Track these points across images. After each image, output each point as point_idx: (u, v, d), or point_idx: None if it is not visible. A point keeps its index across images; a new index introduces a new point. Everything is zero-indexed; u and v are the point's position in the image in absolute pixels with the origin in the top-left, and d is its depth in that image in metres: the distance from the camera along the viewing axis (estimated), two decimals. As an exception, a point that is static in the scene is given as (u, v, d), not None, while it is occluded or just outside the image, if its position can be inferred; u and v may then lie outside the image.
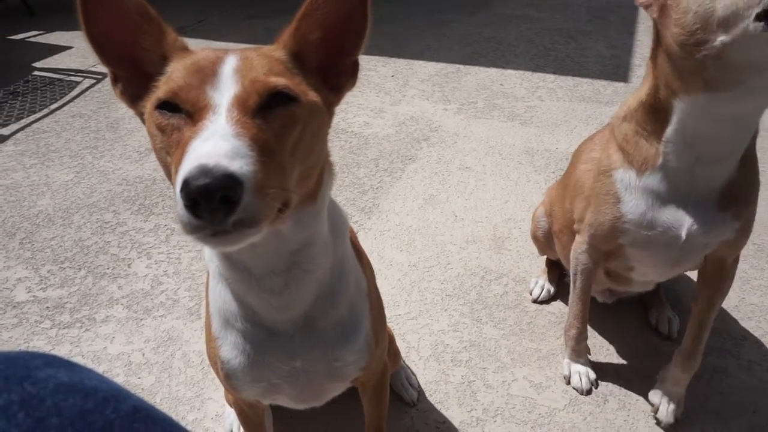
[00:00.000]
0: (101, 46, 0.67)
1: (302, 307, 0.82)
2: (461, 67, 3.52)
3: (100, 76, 3.46)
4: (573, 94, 3.13)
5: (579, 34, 4.02)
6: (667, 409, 1.37)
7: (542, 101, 3.06)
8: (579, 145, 1.49)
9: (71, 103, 3.15)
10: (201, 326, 1.69)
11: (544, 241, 1.70)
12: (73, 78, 3.47)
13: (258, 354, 0.84)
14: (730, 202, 1.11)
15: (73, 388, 0.32)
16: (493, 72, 3.44)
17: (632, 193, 1.16)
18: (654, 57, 1.07)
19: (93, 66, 3.63)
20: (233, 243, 0.57)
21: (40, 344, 1.65)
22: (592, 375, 1.49)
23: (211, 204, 0.52)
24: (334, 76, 0.74)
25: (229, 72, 0.63)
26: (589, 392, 1.47)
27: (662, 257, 1.24)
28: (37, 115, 3.01)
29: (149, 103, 0.66)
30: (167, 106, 0.62)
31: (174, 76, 0.64)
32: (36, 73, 3.55)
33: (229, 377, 0.88)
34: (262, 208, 0.56)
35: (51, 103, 3.14)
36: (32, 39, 4.17)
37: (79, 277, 1.90)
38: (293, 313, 0.82)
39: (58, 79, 3.45)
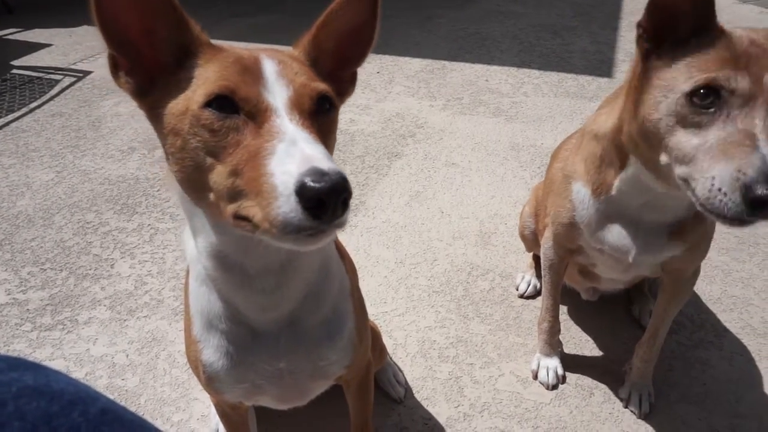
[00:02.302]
0: (109, 28, 0.62)
1: (289, 307, 0.81)
2: (447, 63, 3.52)
3: (80, 74, 3.41)
4: (558, 89, 3.14)
5: (563, 30, 4.04)
6: (638, 401, 1.41)
7: (527, 97, 3.07)
8: (560, 144, 1.50)
9: (51, 102, 3.10)
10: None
11: (532, 239, 1.70)
12: (52, 76, 3.41)
13: (242, 355, 0.83)
14: (679, 234, 1.12)
15: (37, 391, 0.32)
16: (479, 68, 3.44)
17: (585, 209, 1.17)
18: (628, 89, 0.98)
19: (73, 64, 3.57)
20: (325, 241, 0.58)
21: (20, 347, 1.62)
22: (560, 370, 1.50)
23: (337, 203, 0.54)
24: (338, 83, 0.77)
25: (273, 74, 0.63)
26: (555, 387, 1.48)
27: (613, 265, 1.26)
28: (16, 114, 2.96)
29: (185, 102, 0.62)
30: (216, 104, 0.60)
31: (221, 74, 0.62)
32: (15, 71, 3.49)
33: (211, 380, 0.86)
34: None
35: (30, 102, 3.08)
36: (10, 36, 4.09)
37: (61, 279, 1.87)
38: (279, 313, 0.81)
39: (38, 78, 3.39)
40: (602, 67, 3.39)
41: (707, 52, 0.83)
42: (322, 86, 0.66)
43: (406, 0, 4.84)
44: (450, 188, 2.32)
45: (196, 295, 0.83)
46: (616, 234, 1.14)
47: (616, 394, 1.46)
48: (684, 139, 0.83)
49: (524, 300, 1.76)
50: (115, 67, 0.67)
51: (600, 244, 1.18)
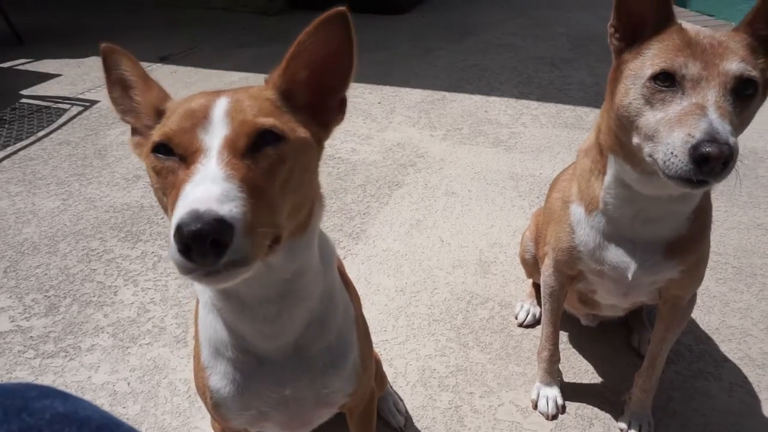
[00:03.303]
0: (118, 105, 0.80)
1: (293, 335, 0.83)
2: (447, 94, 3.60)
3: (87, 104, 3.48)
4: (556, 120, 3.20)
5: (561, 62, 4.13)
6: (638, 431, 1.41)
7: (526, 128, 3.12)
8: (558, 174, 1.54)
9: (59, 131, 3.16)
10: (188, 354, 1.68)
11: (532, 263, 1.72)
12: (60, 105, 3.48)
13: (248, 382, 0.85)
14: (677, 252, 1.14)
15: (68, 418, 0.34)
16: (478, 99, 3.51)
17: (582, 228, 1.21)
18: (608, 92, 1.07)
19: (81, 93, 3.65)
20: (225, 281, 0.60)
21: (23, 374, 1.63)
22: (560, 400, 1.50)
23: (203, 248, 0.55)
24: (323, 112, 0.77)
25: (220, 115, 0.66)
26: (554, 417, 1.48)
27: (613, 288, 1.28)
28: (24, 143, 3.01)
29: (146, 146, 0.70)
30: (162, 149, 0.66)
31: (169, 121, 0.69)
32: (24, 100, 3.56)
33: (218, 406, 0.88)
34: (253, 248, 0.59)
35: (38, 131, 3.14)
36: (20, 67, 4.18)
37: (64, 306, 1.88)
38: (284, 341, 0.83)
39: (46, 107, 3.46)
40: (600, 99, 3.44)
41: (667, 44, 0.95)
42: (262, 121, 0.66)
43: (406, 32, 4.97)
44: (450, 217, 2.35)
45: (204, 323, 0.85)
46: (613, 252, 1.17)
47: (616, 425, 1.46)
48: (650, 116, 0.94)
49: (524, 329, 1.77)
50: (133, 131, 0.80)
51: (599, 264, 1.21)
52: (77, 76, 3.95)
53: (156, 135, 0.67)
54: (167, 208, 0.66)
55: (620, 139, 1.03)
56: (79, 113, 3.36)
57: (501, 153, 2.86)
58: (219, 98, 0.68)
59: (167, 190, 0.65)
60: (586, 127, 3.10)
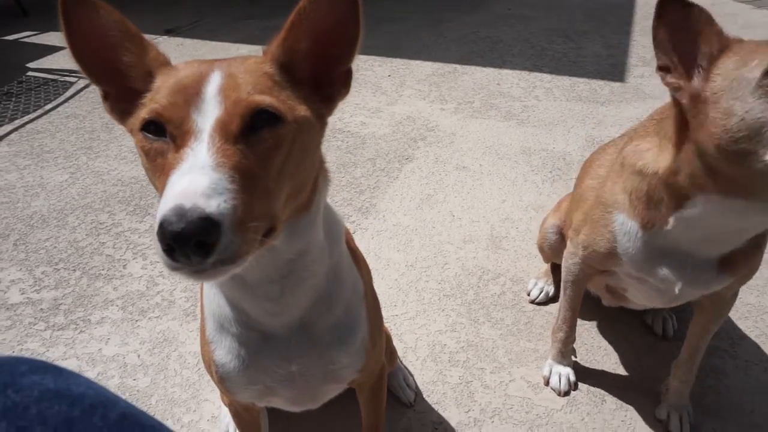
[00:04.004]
0: (87, 63, 0.67)
1: (298, 312, 0.81)
2: (458, 66, 3.52)
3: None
4: (570, 93, 3.13)
5: (575, 34, 4.02)
6: (677, 422, 1.36)
7: (539, 101, 3.05)
8: (591, 154, 1.44)
9: (66, 104, 3.13)
10: (197, 327, 1.68)
11: (550, 253, 1.67)
12: (67, 78, 3.45)
13: (253, 358, 0.84)
14: (730, 265, 1.07)
15: (59, 395, 0.32)
16: (490, 72, 3.43)
17: (630, 241, 1.11)
18: (675, 140, 0.96)
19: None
20: (214, 278, 0.56)
21: (34, 346, 1.63)
22: (572, 377, 1.48)
23: (186, 249, 0.51)
24: (326, 85, 0.71)
25: (213, 92, 0.60)
26: (567, 393, 1.46)
27: (655, 297, 1.23)
28: (32, 116, 3.00)
29: (135, 123, 0.64)
30: (151, 127, 0.61)
31: (158, 95, 0.62)
32: (30, 73, 3.53)
33: (223, 380, 0.87)
34: (243, 245, 0.54)
35: (45, 104, 3.12)
36: (26, 39, 4.15)
37: (74, 279, 1.88)
38: (289, 318, 0.81)
39: (53, 80, 3.43)
40: (615, 72, 3.37)
41: (744, 49, 0.83)
42: (258, 99, 0.60)
43: (416, 4, 4.85)
44: (461, 192, 2.31)
45: (208, 298, 0.84)
46: (663, 267, 1.09)
47: (643, 398, 1.44)
48: None
49: (535, 305, 1.75)
50: (105, 97, 0.70)
51: (644, 274, 1.13)
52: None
53: (145, 111, 0.61)
54: (159, 188, 0.61)
55: (730, 173, 0.88)
56: (86, 86, 3.33)
57: (513, 127, 2.80)
58: (212, 71, 0.62)
59: (156, 173, 0.60)
60: (600, 100, 3.02)
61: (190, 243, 0.50)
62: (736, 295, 1.25)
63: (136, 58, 0.66)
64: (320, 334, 0.85)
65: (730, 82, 0.83)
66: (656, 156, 1.02)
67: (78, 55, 0.66)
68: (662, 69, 0.92)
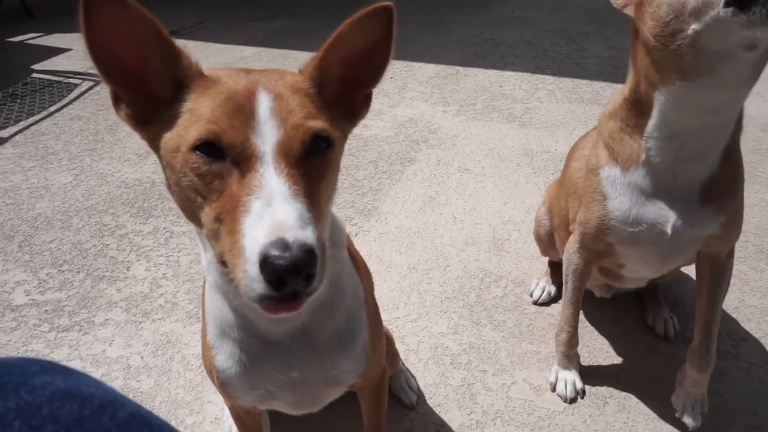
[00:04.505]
0: (105, 63, 0.63)
1: (300, 319, 0.82)
2: (460, 68, 3.53)
3: (99, 79, 3.46)
4: (572, 95, 3.13)
5: (578, 36, 4.02)
6: (691, 412, 1.35)
7: (541, 103, 3.06)
8: (574, 143, 1.50)
9: (70, 106, 3.15)
10: (200, 329, 1.69)
11: (547, 240, 1.69)
12: (71, 80, 3.47)
13: (254, 364, 0.84)
14: (713, 197, 1.12)
15: (69, 395, 0.32)
16: (493, 74, 3.44)
17: (617, 190, 1.18)
18: (633, 53, 1.09)
19: (92, 68, 3.62)
20: (297, 309, 0.57)
21: (38, 348, 1.64)
22: (579, 384, 1.47)
23: (298, 280, 0.52)
24: (349, 105, 0.73)
25: (267, 113, 0.60)
26: (573, 401, 1.46)
27: (650, 254, 1.24)
28: (36, 118, 3.01)
29: (181, 140, 0.61)
30: (204, 148, 0.59)
31: (210, 114, 0.60)
32: (35, 75, 3.55)
33: (224, 385, 0.87)
34: (324, 274, 0.56)
35: (50, 106, 3.14)
36: (31, 41, 4.17)
37: (78, 280, 1.89)
38: (291, 325, 0.82)
39: (57, 82, 3.45)
40: (617, 73, 3.37)
41: None
42: (318, 125, 0.61)
43: (419, 5, 4.86)
44: (463, 194, 2.31)
45: (210, 303, 0.84)
46: (651, 209, 1.15)
47: (644, 401, 1.44)
48: None
49: (537, 307, 1.76)
50: (116, 100, 0.67)
51: (636, 225, 1.17)
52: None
53: (197, 130, 0.59)
54: (196, 207, 0.60)
55: (670, 58, 0.98)
56: (90, 88, 3.35)
57: (515, 129, 2.80)
58: (257, 89, 0.61)
59: (210, 195, 0.59)
60: (602, 102, 3.02)
61: (301, 275, 0.52)
62: (731, 256, 1.27)
63: (165, 64, 0.63)
64: (321, 340, 0.85)
65: None
66: (621, 91, 1.16)
67: (95, 53, 0.62)
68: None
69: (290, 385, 0.87)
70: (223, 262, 0.59)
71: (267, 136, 0.59)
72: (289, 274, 0.51)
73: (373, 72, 0.72)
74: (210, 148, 0.58)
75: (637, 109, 1.12)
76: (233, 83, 0.63)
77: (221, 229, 0.58)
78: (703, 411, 1.36)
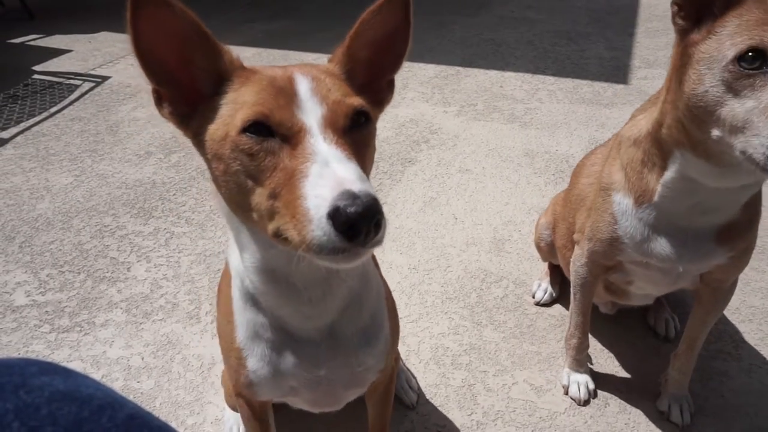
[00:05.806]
0: (150, 63, 0.65)
1: (332, 315, 0.83)
2: (461, 69, 3.53)
3: (99, 80, 3.46)
4: (573, 96, 3.13)
5: (579, 36, 4.02)
6: (679, 412, 1.38)
7: (542, 103, 3.06)
8: (579, 161, 1.48)
9: (71, 107, 3.15)
10: (200, 330, 1.69)
11: (548, 250, 1.68)
12: (72, 81, 3.47)
13: (284, 364, 0.86)
14: (728, 238, 1.08)
15: (68, 396, 0.32)
16: (493, 74, 3.44)
17: (628, 220, 1.13)
18: (668, 82, 0.98)
19: (92, 69, 3.63)
20: (361, 259, 0.60)
21: (39, 348, 1.64)
22: (591, 385, 1.47)
23: (370, 227, 0.55)
24: (375, 92, 0.77)
25: (307, 92, 0.64)
26: (587, 402, 1.45)
27: (660, 279, 1.23)
28: (37, 119, 3.01)
29: (224, 128, 0.64)
30: (253, 129, 0.62)
31: (255, 98, 0.63)
32: (36, 76, 3.55)
33: (252, 385, 0.89)
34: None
35: (51, 107, 3.14)
36: (32, 42, 4.17)
37: (79, 281, 1.89)
38: (322, 322, 0.83)
39: (58, 83, 3.45)
40: (618, 74, 3.37)
41: (745, 18, 0.82)
42: (356, 101, 0.66)
43: (420, 6, 4.85)
44: (464, 194, 2.31)
45: (239, 307, 0.85)
46: (662, 244, 1.10)
47: (647, 401, 1.44)
48: (737, 105, 0.82)
49: (538, 308, 1.75)
50: (158, 100, 0.69)
51: (646, 257, 1.14)
52: (88, 51, 3.93)
53: (246, 113, 0.62)
54: (247, 191, 0.63)
55: (692, 134, 0.92)
56: (91, 89, 3.35)
57: (516, 129, 2.80)
58: (294, 75, 0.65)
59: (263, 176, 0.61)
60: (603, 102, 3.02)
61: (373, 221, 0.54)
62: (735, 285, 1.25)
63: (208, 62, 0.67)
64: (349, 337, 0.87)
65: (717, 47, 0.84)
66: (647, 119, 1.07)
67: (142, 55, 0.64)
68: (677, 4, 0.91)
69: (314, 383, 0.89)
70: (280, 237, 0.61)
71: (311, 113, 0.62)
72: (361, 220, 0.53)
73: (394, 58, 0.77)
74: (258, 128, 0.62)
75: (658, 149, 1.04)
76: (271, 71, 0.67)
77: (277, 204, 0.60)
78: (690, 411, 1.38)
